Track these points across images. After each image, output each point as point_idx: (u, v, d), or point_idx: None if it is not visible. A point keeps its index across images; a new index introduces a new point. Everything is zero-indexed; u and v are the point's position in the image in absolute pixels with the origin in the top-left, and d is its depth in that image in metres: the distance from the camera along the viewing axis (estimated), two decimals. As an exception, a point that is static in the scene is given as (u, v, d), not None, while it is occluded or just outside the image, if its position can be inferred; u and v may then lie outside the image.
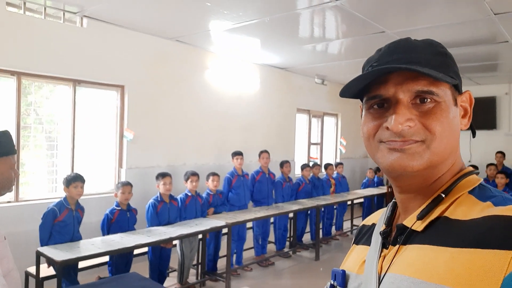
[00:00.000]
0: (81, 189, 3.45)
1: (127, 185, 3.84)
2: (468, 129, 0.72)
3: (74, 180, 3.41)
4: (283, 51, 5.76)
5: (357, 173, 9.44)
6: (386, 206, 0.81)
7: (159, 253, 3.96)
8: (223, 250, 4.66)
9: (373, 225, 0.79)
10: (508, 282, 0.47)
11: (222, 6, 3.85)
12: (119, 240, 3.36)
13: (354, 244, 0.83)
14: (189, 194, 4.32)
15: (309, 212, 5.89)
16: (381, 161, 0.65)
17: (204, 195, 4.59)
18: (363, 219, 5.58)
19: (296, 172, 7.19)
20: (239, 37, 5.00)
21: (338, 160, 8.55)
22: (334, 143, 8.88)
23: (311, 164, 6.57)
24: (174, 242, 3.99)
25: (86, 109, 4.51)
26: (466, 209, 0.58)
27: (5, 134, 1.74)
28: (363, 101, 0.70)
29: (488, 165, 6.49)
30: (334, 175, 6.82)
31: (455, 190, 0.62)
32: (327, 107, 8.40)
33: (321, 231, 6.17)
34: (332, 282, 0.76)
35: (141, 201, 4.32)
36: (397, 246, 0.64)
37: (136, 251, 3.70)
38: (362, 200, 7.21)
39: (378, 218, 0.78)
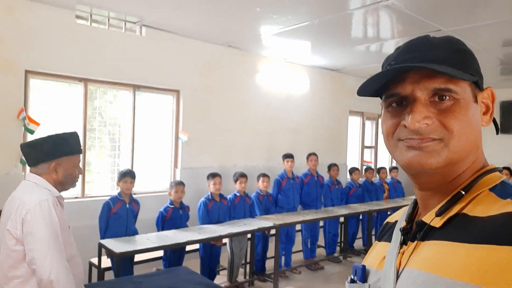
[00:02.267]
0: (131, 184, 3.68)
1: (180, 184, 4.03)
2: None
3: (124, 176, 3.67)
4: (333, 52, 5.70)
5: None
6: (406, 206, 0.81)
7: (209, 251, 4.10)
8: (271, 252, 4.72)
9: (396, 222, 0.79)
10: None
11: (272, 11, 3.92)
12: (172, 236, 3.54)
13: (376, 241, 0.84)
14: (238, 194, 4.43)
15: (360, 217, 5.75)
16: (399, 158, 0.66)
17: (254, 194, 4.68)
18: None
19: (348, 176, 7.04)
20: (289, 40, 5.04)
21: (393, 164, 8.23)
22: (389, 146, 8.56)
23: (364, 168, 6.40)
24: (224, 240, 4.11)
25: (145, 113, 4.82)
26: (485, 206, 0.58)
27: (73, 135, 1.93)
28: (382, 99, 0.70)
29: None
30: (388, 179, 6.58)
31: (475, 187, 0.62)
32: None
33: (373, 237, 5.98)
34: (352, 277, 0.77)
35: (194, 199, 4.50)
36: (416, 242, 0.64)
37: (188, 248, 3.88)
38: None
39: (401, 215, 0.78)
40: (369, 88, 0.68)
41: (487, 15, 3.89)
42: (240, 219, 4.35)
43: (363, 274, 0.75)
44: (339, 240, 5.76)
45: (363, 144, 7.83)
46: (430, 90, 0.62)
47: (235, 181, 4.46)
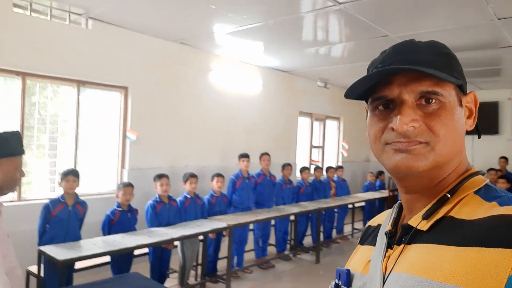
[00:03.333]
0: (74, 183, 3.41)
1: (128, 186, 3.86)
2: (472, 132, 0.73)
3: (67, 175, 3.40)
4: (286, 54, 5.79)
5: (358, 177, 9.44)
6: (388, 209, 0.82)
7: (160, 254, 3.98)
8: (223, 252, 4.68)
9: (379, 225, 0.79)
10: None
11: (227, 9, 3.88)
12: (121, 241, 3.38)
13: (359, 245, 0.84)
14: (188, 196, 4.33)
15: (310, 215, 5.90)
16: (386, 162, 0.65)
17: (207, 196, 4.61)
18: (364, 223, 5.58)
19: (297, 175, 7.20)
20: (242, 40, 5.03)
21: (340, 164, 8.55)
22: (336, 146, 8.88)
23: (312, 167, 6.58)
24: (175, 243, 4.00)
25: (90, 110, 4.55)
26: (471, 209, 0.59)
27: (14, 135, 1.76)
28: (368, 102, 0.70)
29: (489, 169, 6.48)
30: (335, 178, 6.82)
31: (460, 191, 0.63)
32: (329, 110, 8.41)
33: (321, 234, 6.17)
34: (336, 281, 0.76)
35: (143, 202, 4.33)
36: (402, 245, 0.64)
37: (137, 252, 3.72)
38: (363, 203, 7.21)
39: (384, 218, 0.78)
40: (356, 90, 0.67)
41: (428, 24, 4.15)
42: (192, 220, 4.26)
43: (347, 279, 0.74)
44: (289, 238, 5.86)
45: (311, 144, 8.04)
46: (417, 93, 0.62)
47: (185, 181, 4.36)
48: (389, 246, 0.68)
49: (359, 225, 7.61)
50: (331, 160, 8.70)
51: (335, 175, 6.86)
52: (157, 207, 4.00)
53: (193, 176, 4.36)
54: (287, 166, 5.62)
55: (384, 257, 0.67)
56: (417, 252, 0.60)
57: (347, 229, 7.23)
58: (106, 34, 4.47)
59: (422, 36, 4.53)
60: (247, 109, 6.34)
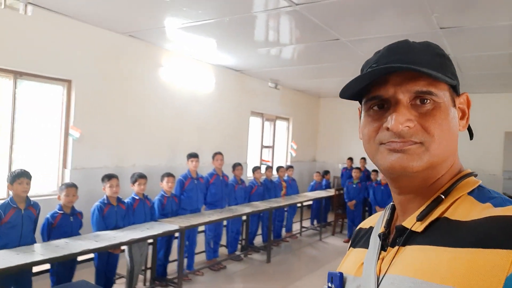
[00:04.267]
0: (27, 186, 3.20)
1: (72, 186, 3.58)
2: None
3: (19, 176, 3.15)
4: (238, 53, 5.75)
5: (305, 176, 9.68)
6: (379, 211, 0.82)
7: (106, 259, 3.74)
8: (173, 255, 4.54)
9: (370, 228, 0.78)
10: (511, 282, 0.47)
11: (182, 3, 3.75)
12: (64, 246, 3.12)
13: (351, 248, 0.83)
14: (137, 197, 4.13)
15: (261, 214, 5.92)
16: (381, 162, 0.64)
17: (158, 197, 4.43)
18: (311, 221, 5.68)
19: (248, 175, 7.21)
20: (195, 36, 4.90)
21: (288, 163, 8.71)
22: (285, 146, 9.03)
23: (264, 167, 6.61)
24: (123, 247, 3.79)
25: (28, 104, 4.16)
26: (466, 210, 0.59)
27: None
28: (362, 102, 0.70)
29: None
30: (285, 177, 6.93)
31: (454, 192, 0.63)
32: (279, 111, 8.53)
33: (272, 233, 6.22)
34: (329, 285, 0.74)
35: (86, 204, 4.05)
36: (396, 247, 0.64)
37: (80, 257, 3.46)
38: (311, 202, 7.39)
39: (376, 221, 0.78)
40: (351, 89, 0.66)
41: (376, 29, 4.33)
42: (141, 223, 4.07)
43: (340, 282, 0.73)
44: (240, 238, 5.84)
45: (262, 144, 8.10)
46: (412, 93, 0.62)
47: (133, 182, 4.14)
48: (383, 248, 0.68)
49: (306, 223, 7.80)
50: (281, 159, 8.83)
51: (286, 175, 6.96)
52: (104, 209, 3.76)
53: (142, 176, 4.16)
54: (237, 166, 5.58)
55: (378, 259, 0.66)
56: (412, 253, 0.60)
57: (296, 227, 7.38)
58: (47, 22, 4.12)
59: (370, 42, 4.76)
60: (198, 107, 6.22)
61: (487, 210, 0.56)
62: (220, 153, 5.21)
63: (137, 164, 5.23)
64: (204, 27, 4.49)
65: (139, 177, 4.14)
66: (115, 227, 3.81)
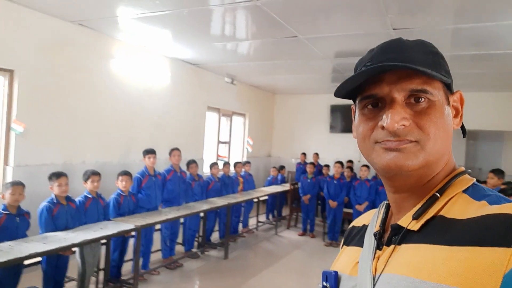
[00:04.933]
0: (20, 196, 3.31)
1: (18, 184, 3.31)
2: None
3: (14, 185, 3.24)
4: (195, 46, 5.62)
5: (260, 171, 9.75)
6: (373, 209, 0.81)
7: (55, 262, 3.51)
8: (128, 255, 4.37)
9: (364, 226, 0.78)
10: (508, 280, 0.47)
11: (138, -7, 3.59)
12: (9, 250, 2.87)
13: (344, 246, 0.82)
14: (90, 196, 3.91)
15: (218, 210, 5.87)
16: (376, 161, 0.64)
17: (114, 195, 4.23)
18: (267, 216, 5.72)
19: (205, 170, 7.12)
20: (150, 27, 4.72)
21: (245, 159, 8.72)
22: (241, 142, 9.02)
23: (220, 162, 6.56)
24: (74, 248, 3.58)
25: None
26: (461, 208, 0.59)
27: None
28: (357, 101, 0.69)
29: (348, 161, 7.33)
30: (242, 173, 6.92)
31: (449, 190, 0.63)
32: (236, 106, 8.49)
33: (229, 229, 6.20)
34: (324, 284, 0.73)
35: (31, 204, 3.76)
36: (392, 246, 0.63)
37: (27, 261, 3.21)
38: (266, 197, 7.46)
39: (370, 219, 0.77)
40: (346, 88, 0.66)
41: (330, 28, 4.41)
42: (94, 223, 3.86)
43: (335, 281, 0.73)
44: (197, 235, 5.76)
45: (219, 140, 8.02)
46: (407, 91, 0.62)
47: (86, 180, 3.91)
48: (378, 247, 0.67)
49: (263, 218, 7.87)
50: (237, 155, 8.81)
51: (243, 170, 6.95)
52: (54, 209, 3.51)
53: (95, 174, 3.94)
54: (192, 164, 5.46)
55: (373, 258, 0.66)
56: (408, 252, 0.59)
57: (252, 222, 7.42)
58: (-15, 6, 3.75)
59: (328, 40, 4.86)
60: (153, 101, 6.01)
61: (483, 208, 0.56)
62: (177, 149, 5.08)
63: (87, 160, 4.95)
64: (160, 18, 4.33)
65: (92, 174, 3.92)
66: (66, 227, 3.58)
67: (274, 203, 7.78)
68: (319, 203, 7.80)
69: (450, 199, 0.61)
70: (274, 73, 7.51)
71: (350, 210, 6.49)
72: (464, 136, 0.75)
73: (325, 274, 0.74)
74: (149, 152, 4.70)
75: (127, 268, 4.49)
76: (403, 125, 0.61)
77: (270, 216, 7.98)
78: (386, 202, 0.75)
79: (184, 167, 5.39)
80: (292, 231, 7.34)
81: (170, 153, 5.05)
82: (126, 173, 4.29)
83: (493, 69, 6.05)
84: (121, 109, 5.43)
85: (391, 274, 0.59)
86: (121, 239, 4.18)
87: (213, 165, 6.00)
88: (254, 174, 8.69)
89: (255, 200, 6.95)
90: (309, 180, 7.05)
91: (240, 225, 6.85)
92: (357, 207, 6.22)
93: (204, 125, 7.38)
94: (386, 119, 0.61)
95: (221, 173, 6.22)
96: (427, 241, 0.58)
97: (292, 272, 5.23)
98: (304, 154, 9.02)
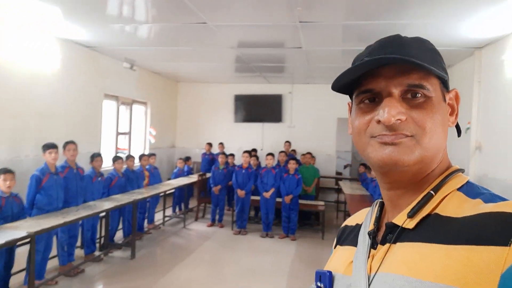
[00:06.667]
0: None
1: None
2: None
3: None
4: (89, 26, 5.01)
5: (164, 163, 9.37)
6: (366, 208, 0.80)
7: None
8: (18, 264, 3.78)
9: (357, 225, 0.77)
10: (506, 279, 0.47)
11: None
12: None
13: (338, 245, 0.81)
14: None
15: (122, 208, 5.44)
16: (371, 155, 0.64)
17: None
18: (173, 209, 5.56)
19: (104, 165, 6.52)
20: (36, 2, 4.05)
21: (147, 151, 8.25)
22: (143, 132, 8.50)
23: (124, 156, 6.06)
24: None
25: None
26: (456, 206, 0.59)
27: None
28: (353, 96, 0.69)
29: (280, 152, 7.57)
30: (148, 166, 6.54)
31: (444, 187, 0.63)
32: (136, 94, 7.94)
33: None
34: (318, 284, 0.72)
35: None
36: (387, 245, 0.63)
37: None
38: (173, 190, 7.19)
39: (363, 218, 0.76)
40: (344, 80, 0.65)
41: (240, 16, 4.33)
42: (-29, 233, 3.21)
43: (330, 281, 0.72)
44: (98, 236, 5.26)
45: (118, 130, 7.42)
46: (404, 86, 0.62)
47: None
48: (372, 246, 0.67)
49: (169, 211, 7.58)
50: (139, 147, 8.28)
51: (148, 163, 6.56)
52: None
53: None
54: (97, 157, 4.96)
55: (368, 257, 0.66)
56: (404, 251, 0.59)
57: (158, 217, 7.09)
58: None
59: (236, 28, 4.80)
60: (42, 88, 5.22)
61: (478, 206, 0.56)
62: (73, 142, 4.51)
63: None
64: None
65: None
66: None
67: (181, 196, 7.55)
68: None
69: (445, 197, 0.62)
70: (179, 59, 7.20)
71: (257, 198, 6.65)
72: (459, 135, 0.76)
73: (318, 274, 0.73)
74: (50, 146, 4.11)
75: (17, 281, 3.88)
76: (400, 119, 0.60)
77: (177, 210, 7.74)
78: (380, 200, 0.75)
79: (81, 163, 4.83)
80: (200, 223, 7.24)
81: (64, 147, 4.45)
82: (7, 171, 3.66)
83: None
84: (3, 97, 4.59)
85: (387, 273, 0.59)
86: (5, 248, 3.56)
87: (116, 159, 5.52)
88: (158, 166, 8.32)
89: (162, 194, 6.64)
90: (220, 171, 7.00)
91: (146, 222, 6.49)
92: (264, 194, 6.40)
93: (101, 114, 6.72)
94: (383, 113, 0.61)
95: (124, 167, 5.76)
96: (422, 239, 0.58)
97: (204, 264, 5.15)
98: (209, 144, 8.92)
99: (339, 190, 8.47)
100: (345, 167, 10.36)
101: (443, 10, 3.86)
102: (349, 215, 6.47)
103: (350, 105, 0.72)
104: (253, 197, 6.74)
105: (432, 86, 0.63)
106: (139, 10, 4.34)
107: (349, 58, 6.30)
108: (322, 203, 6.91)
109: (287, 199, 6.35)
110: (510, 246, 0.49)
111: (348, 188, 7.17)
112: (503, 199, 0.57)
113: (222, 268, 5.01)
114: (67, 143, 4.49)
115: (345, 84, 0.67)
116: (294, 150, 8.88)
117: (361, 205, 4.98)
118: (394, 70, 0.62)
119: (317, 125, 9.49)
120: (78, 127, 5.96)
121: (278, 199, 6.55)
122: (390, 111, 0.60)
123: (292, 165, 6.49)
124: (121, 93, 7.35)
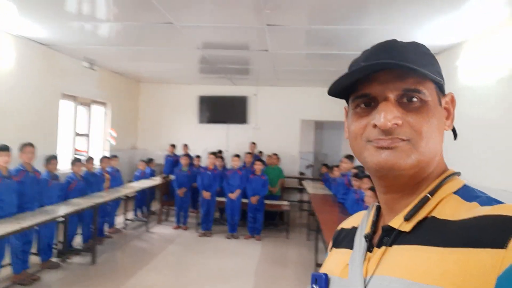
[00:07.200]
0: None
1: None
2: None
3: None
4: (46, 23, 4.78)
5: (125, 165, 9.09)
6: (362, 211, 0.80)
7: None
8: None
9: (353, 228, 0.77)
10: (502, 282, 0.48)
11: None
12: None
13: (333, 248, 0.81)
14: None
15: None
16: (368, 160, 0.64)
17: None
18: (135, 212, 5.44)
19: (60, 168, 6.22)
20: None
21: (107, 153, 7.98)
22: (102, 134, 8.21)
23: (83, 158, 5.82)
24: None
25: None
26: (453, 209, 0.59)
27: None
28: (350, 100, 0.69)
29: (247, 153, 7.58)
30: (108, 169, 6.32)
31: (440, 191, 0.63)
32: (96, 94, 7.65)
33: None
34: (314, 286, 0.71)
35: None
36: (384, 248, 0.63)
37: None
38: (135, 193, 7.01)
39: (360, 220, 0.77)
40: (341, 85, 0.65)
41: (208, 17, 4.30)
42: None
43: (326, 283, 0.71)
44: (55, 242, 5.02)
45: (75, 132, 7.11)
46: (400, 91, 0.62)
47: None
48: (368, 249, 0.67)
49: (131, 215, 7.37)
50: (98, 149, 7.99)
51: (109, 165, 6.34)
52: None
53: None
54: (52, 160, 4.73)
55: (364, 260, 0.66)
56: (400, 254, 0.60)
57: (119, 221, 6.88)
58: None
59: (203, 30, 4.77)
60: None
61: (475, 209, 0.56)
62: (30, 145, 4.28)
63: None
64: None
65: None
66: None
67: (143, 199, 7.37)
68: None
69: (441, 200, 0.62)
70: (140, 59, 7.03)
71: (223, 199, 6.62)
72: (455, 139, 0.76)
73: (314, 276, 0.73)
74: (2, 149, 3.85)
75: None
76: (396, 123, 0.61)
77: (139, 213, 7.54)
78: (376, 203, 0.75)
79: (35, 165, 4.59)
80: (164, 226, 7.10)
81: (20, 149, 4.22)
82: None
83: (340, 67, 6.93)
84: None
85: (383, 276, 0.59)
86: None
87: (75, 162, 5.29)
88: (119, 169, 8.06)
89: (124, 197, 6.44)
90: (184, 173, 6.90)
91: (106, 225, 6.27)
92: (230, 195, 6.39)
93: (58, 115, 6.41)
94: (379, 118, 0.61)
95: (83, 169, 5.53)
96: (419, 242, 0.58)
97: (169, 268, 5.05)
98: (173, 145, 8.77)
99: (302, 190, 8.62)
100: (308, 167, 10.56)
101: (401, 17, 4.04)
102: (312, 214, 6.70)
103: (347, 109, 0.72)
104: (218, 199, 6.71)
105: (428, 90, 0.63)
106: (100, 8, 4.20)
107: (312, 61, 6.46)
108: (287, 203, 7.00)
109: (254, 200, 6.38)
110: (506, 248, 0.49)
111: (312, 188, 7.30)
112: (500, 202, 0.57)
113: (188, 272, 4.95)
114: (24, 145, 4.26)
115: (341, 89, 0.67)
116: (261, 152, 8.94)
117: (325, 204, 5.10)
118: (390, 75, 0.63)
119: (281, 127, 9.60)
120: (32, 128, 5.65)
121: (244, 200, 6.56)
122: (386, 115, 0.61)
123: (258, 166, 6.53)
124: (79, 93, 7.07)
